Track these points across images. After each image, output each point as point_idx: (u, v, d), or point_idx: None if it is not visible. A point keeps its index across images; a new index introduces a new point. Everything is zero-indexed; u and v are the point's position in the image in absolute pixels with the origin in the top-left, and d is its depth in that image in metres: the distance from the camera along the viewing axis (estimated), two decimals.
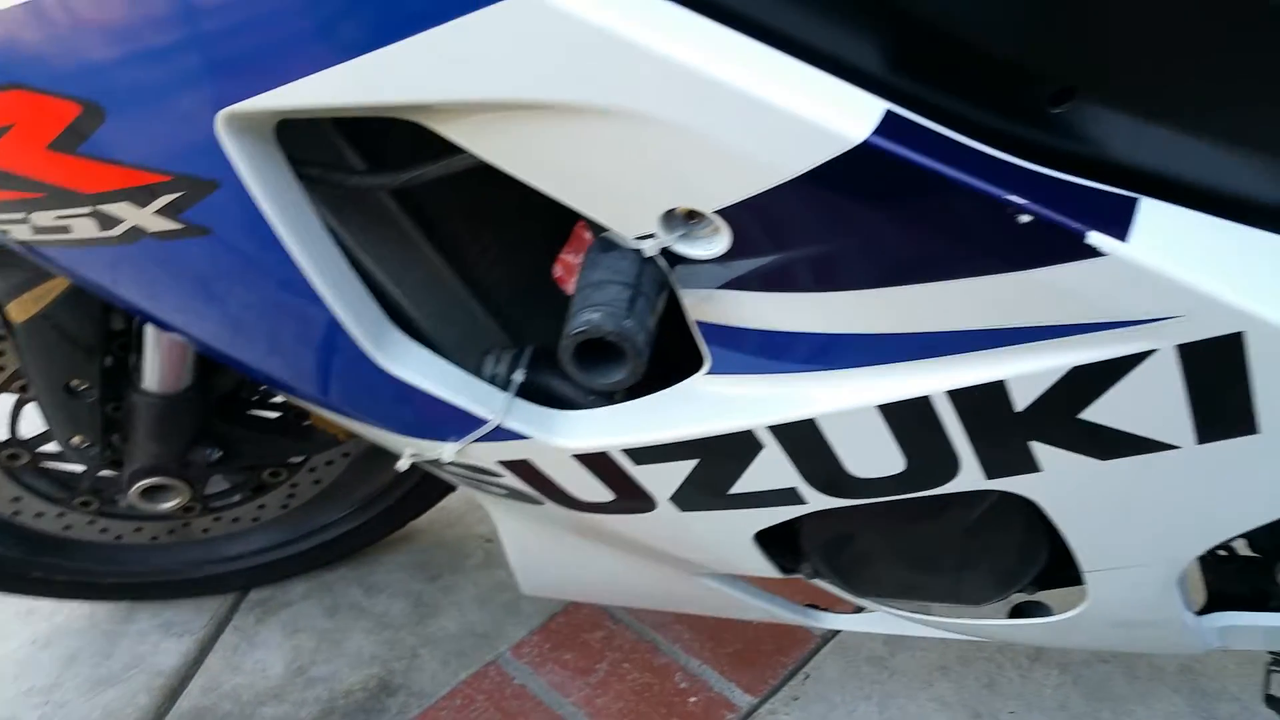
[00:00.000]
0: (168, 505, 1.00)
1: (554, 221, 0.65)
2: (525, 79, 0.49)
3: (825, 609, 0.96)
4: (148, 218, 0.58)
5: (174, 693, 1.14)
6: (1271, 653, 0.95)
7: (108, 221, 0.60)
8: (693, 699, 1.11)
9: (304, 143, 0.60)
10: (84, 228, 0.61)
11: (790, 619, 0.95)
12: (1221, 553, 0.90)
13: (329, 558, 1.27)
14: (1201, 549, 0.68)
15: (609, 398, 0.72)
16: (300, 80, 0.50)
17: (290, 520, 1.21)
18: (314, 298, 0.62)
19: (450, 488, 1.16)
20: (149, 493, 0.99)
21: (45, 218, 0.61)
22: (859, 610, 0.91)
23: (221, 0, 0.50)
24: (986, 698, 1.11)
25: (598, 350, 0.58)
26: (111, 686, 1.15)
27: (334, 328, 0.65)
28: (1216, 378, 0.56)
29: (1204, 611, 0.86)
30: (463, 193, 0.64)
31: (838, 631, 1.17)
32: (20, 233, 0.63)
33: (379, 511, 1.20)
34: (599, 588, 1.01)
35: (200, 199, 0.57)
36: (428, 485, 1.16)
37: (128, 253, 0.62)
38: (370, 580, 1.28)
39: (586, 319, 0.56)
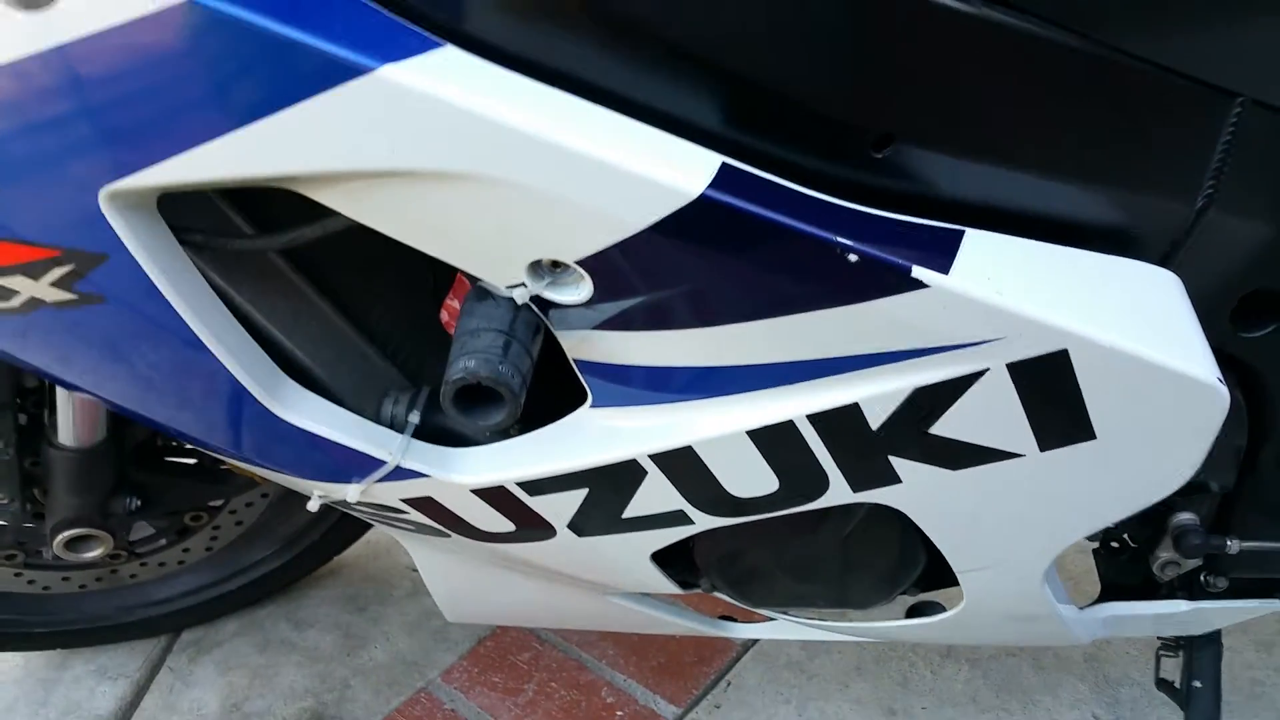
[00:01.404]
0: (92, 554, 1.01)
1: (440, 266, 0.69)
2: (382, 150, 0.53)
3: (736, 620, 1.00)
4: (43, 289, 0.61)
5: None
6: (1160, 638, 1.01)
7: (4, 294, 0.62)
8: (620, 713, 1.15)
9: (189, 209, 0.63)
10: None
11: (704, 631, 0.99)
12: (1113, 544, 0.96)
13: (258, 595, 1.28)
14: (1061, 547, 0.74)
15: (504, 433, 0.76)
16: (174, 158, 0.53)
17: (216, 561, 1.22)
18: (208, 356, 0.65)
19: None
20: (73, 543, 1.00)
21: None
22: (769, 620, 0.96)
23: (95, 83, 0.52)
24: (901, 695, 1.16)
25: (477, 394, 0.62)
26: None
27: (230, 383, 0.67)
28: (1048, 391, 0.61)
29: (1098, 602, 0.92)
30: (349, 244, 0.67)
31: (757, 640, 1.22)
32: None
33: (303, 548, 1.22)
34: (520, 611, 1.04)
35: (91, 270, 0.59)
36: (350, 520, 1.17)
37: (28, 321, 0.64)
38: (299, 615, 1.30)
39: (463, 366, 0.60)
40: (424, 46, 0.52)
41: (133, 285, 0.60)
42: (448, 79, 0.52)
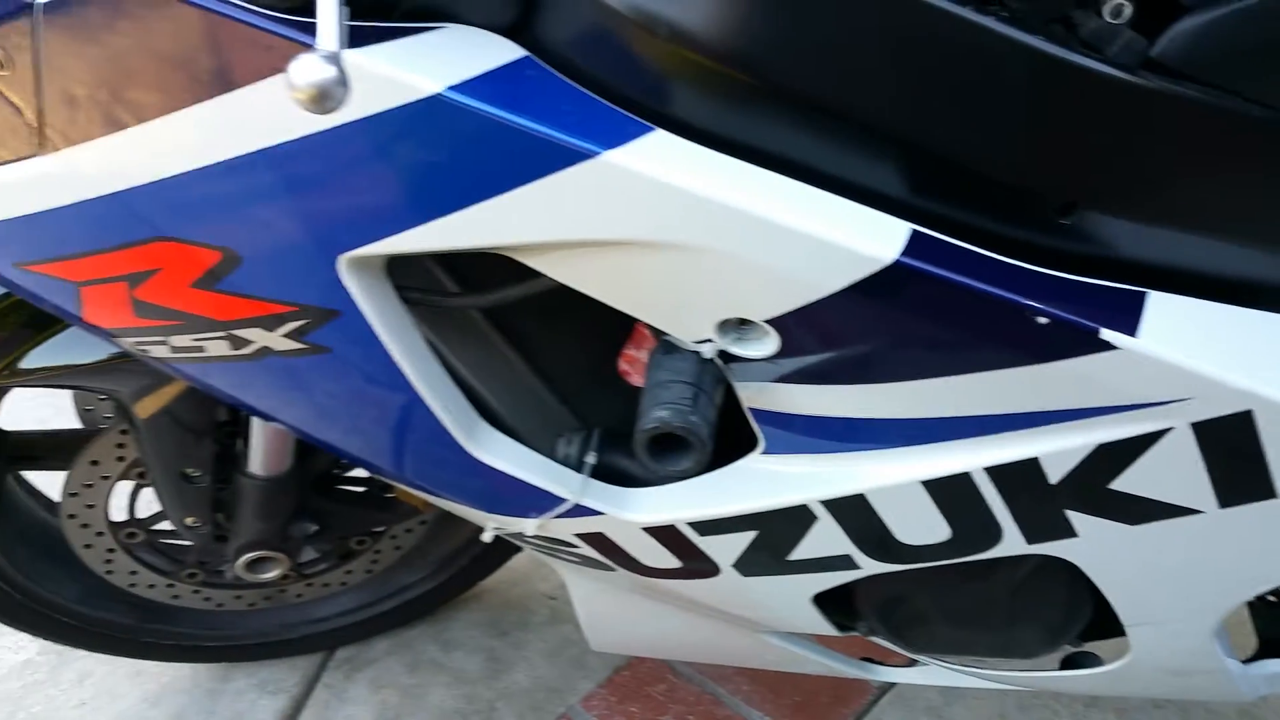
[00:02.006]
0: (270, 575, 1.09)
1: (615, 319, 0.74)
2: (602, 224, 0.58)
3: (880, 662, 1.01)
4: (276, 340, 0.68)
5: None
6: None
7: (239, 343, 0.69)
8: None
9: (406, 270, 0.69)
10: (217, 348, 0.70)
11: (847, 672, 1.00)
12: (1271, 598, 0.94)
13: (408, 617, 1.35)
14: (1235, 603, 0.73)
15: (684, 477, 0.79)
16: (414, 229, 0.59)
17: (374, 583, 1.30)
18: (417, 399, 0.71)
19: (515, 549, 1.23)
20: (253, 564, 1.09)
21: (183, 340, 0.71)
22: (913, 663, 0.97)
23: (350, 166, 0.59)
24: None
25: (667, 442, 0.66)
26: None
27: (432, 423, 0.73)
28: (1231, 450, 0.62)
29: (1255, 658, 0.90)
30: (536, 300, 0.73)
31: (895, 683, 1.22)
32: (158, 352, 0.73)
33: (453, 573, 1.28)
34: (664, 644, 1.08)
35: (322, 324, 0.66)
36: (496, 547, 1.24)
37: (254, 367, 0.71)
38: (446, 637, 1.36)
39: (657, 416, 0.64)
40: (639, 131, 0.57)
41: (358, 338, 0.67)
42: (660, 160, 0.56)
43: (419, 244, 0.60)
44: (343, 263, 0.62)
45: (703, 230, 0.57)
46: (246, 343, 0.69)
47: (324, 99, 0.45)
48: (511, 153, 0.56)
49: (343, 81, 0.45)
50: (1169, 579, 0.71)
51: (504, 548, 1.23)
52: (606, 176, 0.56)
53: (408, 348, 0.68)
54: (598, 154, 0.56)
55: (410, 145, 0.57)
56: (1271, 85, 0.57)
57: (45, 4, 0.58)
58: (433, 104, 0.55)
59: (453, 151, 0.56)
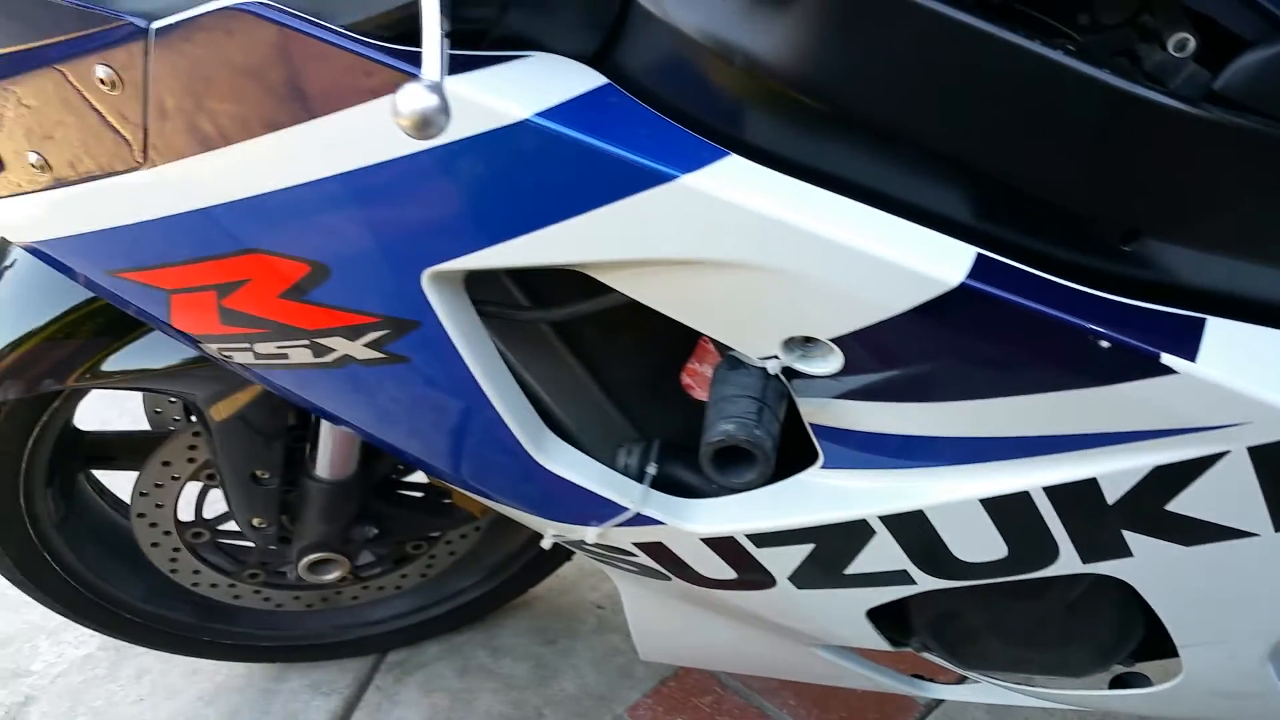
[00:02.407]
0: (331, 577, 1.13)
1: (677, 334, 0.76)
2: (676, 244, 0.60)
3: (930, 679, 1.02)
4: (357, 349, 0.71)
5: None
6: None
7: (321, 350, 0.72)
8: None
9: (482, 285, 0.72)
10: (300, 355, 0.74)
11: (897, 688, 1.01)
12: None
13: (459, 622, 1.38)
14: None
15: (747, 489, 0.81)
16: (495, 246, 0.62)
17: (427, 587, 1.33)
18: (489, 408, 0.74)
19: (565, 557, 1.26)
20: (315, 566, 1.12)
21: (267, 348, 0.74)
22: (962, 680, 0.98)
23: (440, 184, 0.62)
24: None
25: (732, 455, 0.68)
26: None
27: (503, 432, 0.76)
28: None
29: None
30: (603, 316, 0.75)
31: (942, 700, 1.22)
32: (242, 358, 0.77)
33: (504, 579, 1.31)
34: (713, 654, 1.09)
35: (403, 335, 0.69)
36: (546, 555, 1.26)
37: (335, 374, 0.74)
38: (495, 643, 1.39)
39: (723, 429, 0.66)
40: (714, 156, 0.59)
41: (437, 349, 0.70)
42: (734, 183, 0.59)
43: (500, 260, 0.63)
44: (426, 277, 0.65)
45: (773, 251, 0.60)
46: (329, 350, 0.72)
47: (427, 126, 0.48)
48: (592, 175, 0.59)
49: (445, 110, 0.48)
50: (1223, 601, 0.72)
51: (555, 556, 1.25)
52: (683, 199, 0.58)
53: (483, 359, 0.71)
54: (676, 177, 0.58)
55: (497, 167, 0.60)
56: None
57: (158, 30, 0.61)
58: (521, 129, 0.58)
59: (537, 174, 0.59)
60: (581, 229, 0.61)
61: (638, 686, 1.30)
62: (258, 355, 0.75)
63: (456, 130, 0.58)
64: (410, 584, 1.30)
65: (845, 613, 0.84)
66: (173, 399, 1.16)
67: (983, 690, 0.97)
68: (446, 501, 1.18)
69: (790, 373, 0.69)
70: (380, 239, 0.64)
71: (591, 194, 0.59)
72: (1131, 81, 0.57)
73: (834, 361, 0.66)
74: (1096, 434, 0.64)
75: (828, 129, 0.61)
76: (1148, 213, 0.61)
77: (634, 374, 0.85)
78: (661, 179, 0.58)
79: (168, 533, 1.14)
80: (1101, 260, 0.62)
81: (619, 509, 0.80)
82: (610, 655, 1.35)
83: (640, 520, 0.81)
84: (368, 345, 0.71)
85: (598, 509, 0.81)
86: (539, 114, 0.58)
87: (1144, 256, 0.63)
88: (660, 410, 0.85)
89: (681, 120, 0.61)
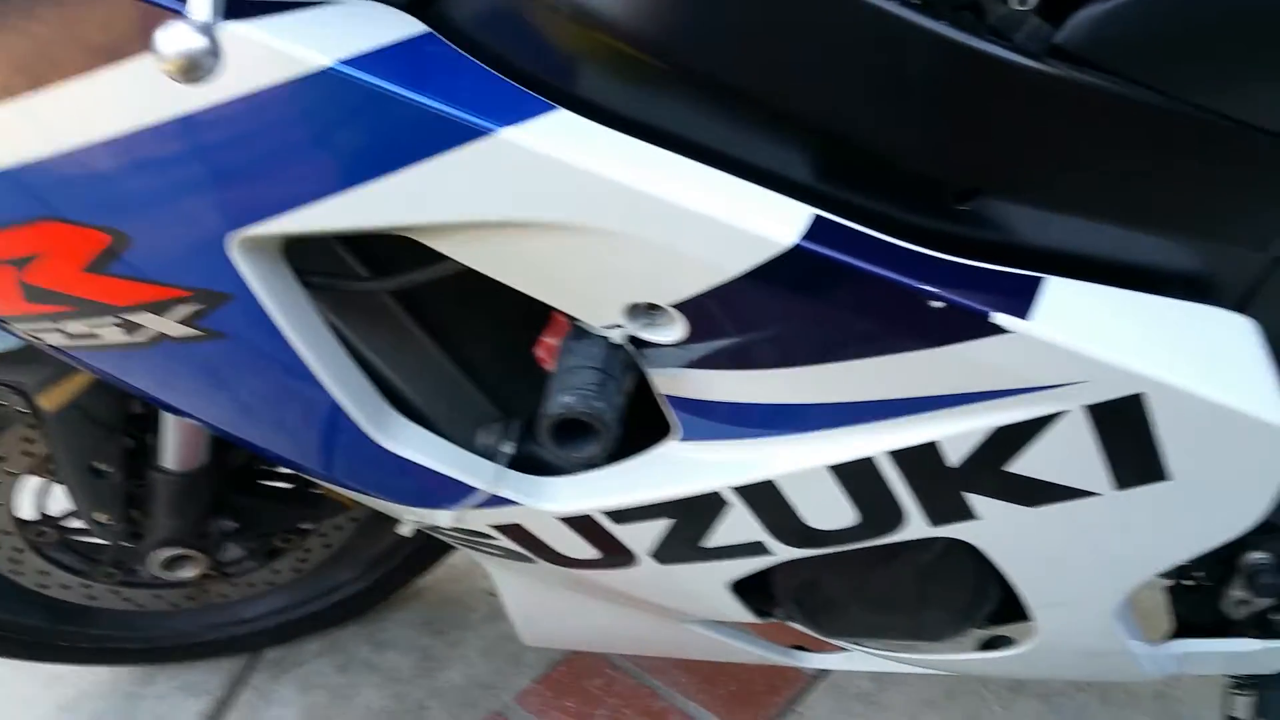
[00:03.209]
0: (187, 574, 1.07)
1: (535, 303, 0.73)
2: (500, 204, 0.57)
3: (809, 649, 1.02)
4: (170, 325, 0.66)
5: None
6: (1232, 676, 1.01)
7: (133, 328, 0.67)
8: None
9: (309, 253, 0.68)
10: (111, 335, 0.68)
11: (776, 660, 1.01)
12: (1186, 582, 0.97)
13: (341, 617, 1.32)
14: (1133, 585, 0.75)
15: (592, 464, 0.79)
16: (302, 209, 0.58)
17: (303, 582, 1.27)
18: (319, 388, 0.69)
19: (452, 545, 1.22)
20: (169, 563, 1.06)
21: (76, 326, 0.69)
22: (842, 651, 0.98)
23: (233, 142, 0.57)
24: None
25: (573, 428, 0.65)
26: None
27: (337, 412, 0.72)
28: (1124, 433, 0.63)
29: (1171, 639, 0.92)
30: (452, 285, 0.72)
31: (829, 671, 1.23)
32: (52, 339, 0.71)
33: (386, 571, 1.26)
34: (596, 637, 1.07)
35: (216, 309, 0.64)
36: (432, 544, 1.22)
37: (150, 354, 0.69)
38: (380, 637, 1.34)
39: (562, 401, 0.64)
40: (539, 110, 0.57)
41: (254, 323, 0.65)
42: (561, 139, 0.56)
43: (309, 224, 0.59)
44: (233, 244, 0.61)
45: (603, 211, 0.57)
46: (140, 328, 0.67)
47: (193, 70, 0.44)
48: (403, 129, 0.56)
49: (213, 51, 0.44)
50: (1069, 561, 0.72)
51: (442, 545, 1.22)
52: (503, 155, 0.55)
53: (306, 333, 0.67)
54: (494, 131, 0.55)
55: (299, 121, 0.56)
56: (1170, 73, 0.58)
57: None
58: (323, 78, 0.54)
59: (342, 128, 0.55)
60: (395, 189, 0.57)
61: (527, 673, 1.27)
62: (69, 335, 0.70)
63: (251, 80, 0.54)
64: (284, 579, 1.24)
65: (708, 587, 0.82)
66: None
67: (858, 659, 0.97)
68: (315, 493, 1.13)
69: (639, 343, 0.66)
70: (180, 202, 0.60)
71: (403, 150, 0.56)
72: (971, 35, 0.56)
73: (678, 329, 0.64)
74: (936, 396, 0.63)
75: (661, 84, 0.59)
76: (984, 171, 0.61)
77: (492, 348, 0.82)
78: (479, 133, 0.55)
79: (7, 532, 1.07)
80: (941, 220, 0.61)
81: (472, 491, 0.77)
82: (501, 643, 1.32)
83: (496, 502, 0.78)
84: (180, 321, 0.66)
85: (450, 492, 0.78)
86: (343, 62, 0.54)
87: (983, 215, 0.62)
88: (523, 387, 0.82)
89: (509, 73, 0.58)
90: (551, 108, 0.57)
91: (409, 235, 0.62)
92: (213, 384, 0.71)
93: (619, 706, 1.21)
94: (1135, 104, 0.59)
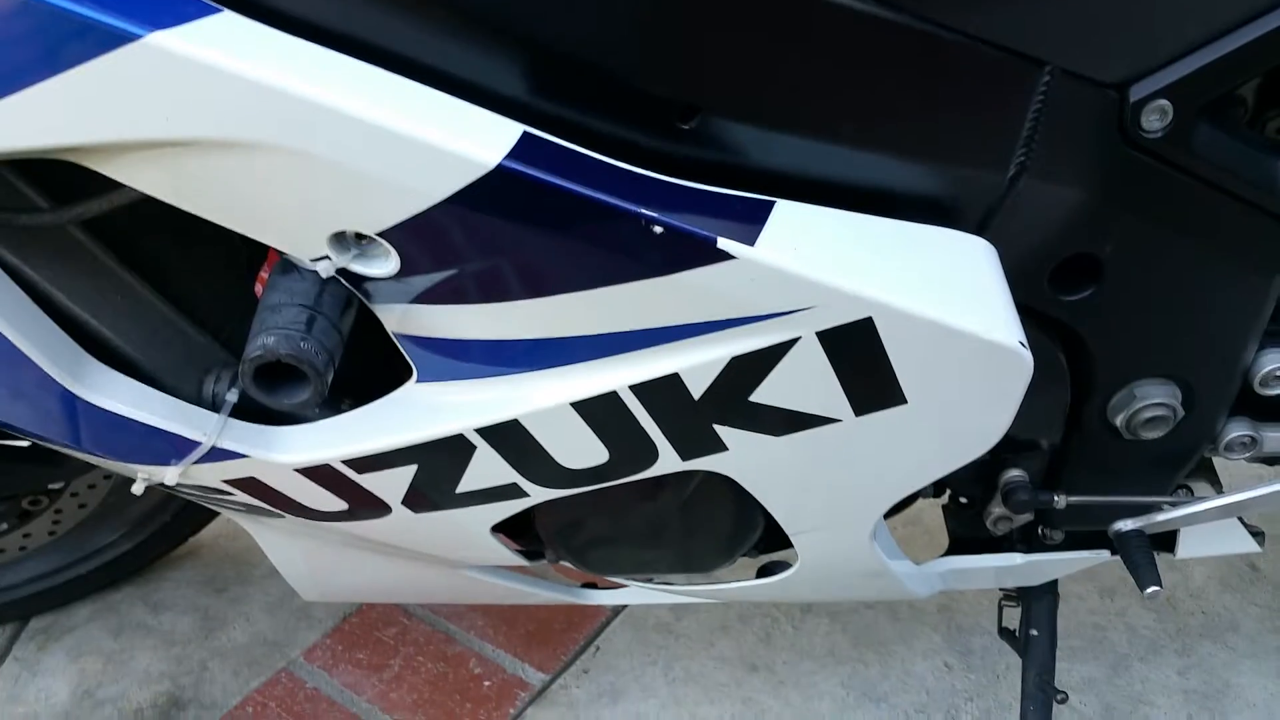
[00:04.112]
0: None
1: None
2: (157, 120, 0.50)
3: (599, 587, 1.00)
4: None
5: None
6: (1002, 589, 1.05)
7: None
8: (487, 683, 1.15)
9: None
10: None
11: (561, 599, 0.99)
12: (961, 500, 1.00)
13: (110, 579, 1.23)
14: (883, 507, 0.76)
15: (335, 409, 0.74)
16: None
17: (63, 545, 1.17)
18: (2, 339, 0.61)
19: None
20: None
21: None
22: (626, 586, 0.96)
23: None
24: (763, 651, 1.19)
25: (280, 372, 0.59)
26: None
27: (29, 366, 0.64)
28: (857, 358, 0.62)
29: (944, 556, 0.95)
30: (160, 215, 0.64)
31: (627, 605, 1.23)
32: None
33: (155, 530, 1.18)
34: (377, 587, 1.03)
35: None
36: None
37: None
38: (156, 598, 1.26)
39: (262, 343, 0.58)
40: (200, 12, 0.50)
41: None
42: (222, 45, 0.49)
43: None
44: None
45: (281, 129, 0.51)
46: None
47: None
48: (39, 34, 0.48)
49: None
50: (818, 487, 0.72)
51: None
52: (154, 63, 0.48)
53: None
54: (140, 36, 0.48)
55: None
56: None
57: None
58: None
59: None
60: (35, 104, 0.49)
61: (316, 628, 1.22)
62: None
63: None
64: (38, 543, 1.14)
65: (470, 532, 0.79)
66: None
67: (639, 593, 0.96)
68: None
69: (355, 277, 0.61)
70: None
71: (40, 59, 0.48)
72: None
73: (391, 261, 0.59)
74: (671, 327, 0.61)
75: None
76: (705, 87, 0.57)
77: (213, 288, 0.74)
78: (124, 39, 0.48)
79: None
80: (661, 141, 0.58)
81: (193, 444, 0.70)
82: (287, 599, 1.25)
83: (223, 455, 0.71)
84: None
85: (170, 446, 0.71)
86: None
87: (706, 135, 0.59)
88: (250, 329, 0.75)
89: None
90: (215, 10, 0.50)
91: (71, 160, 0.54)
92: None
93: (413, 654, 1.18)
94: (862, 16, 0.56)
